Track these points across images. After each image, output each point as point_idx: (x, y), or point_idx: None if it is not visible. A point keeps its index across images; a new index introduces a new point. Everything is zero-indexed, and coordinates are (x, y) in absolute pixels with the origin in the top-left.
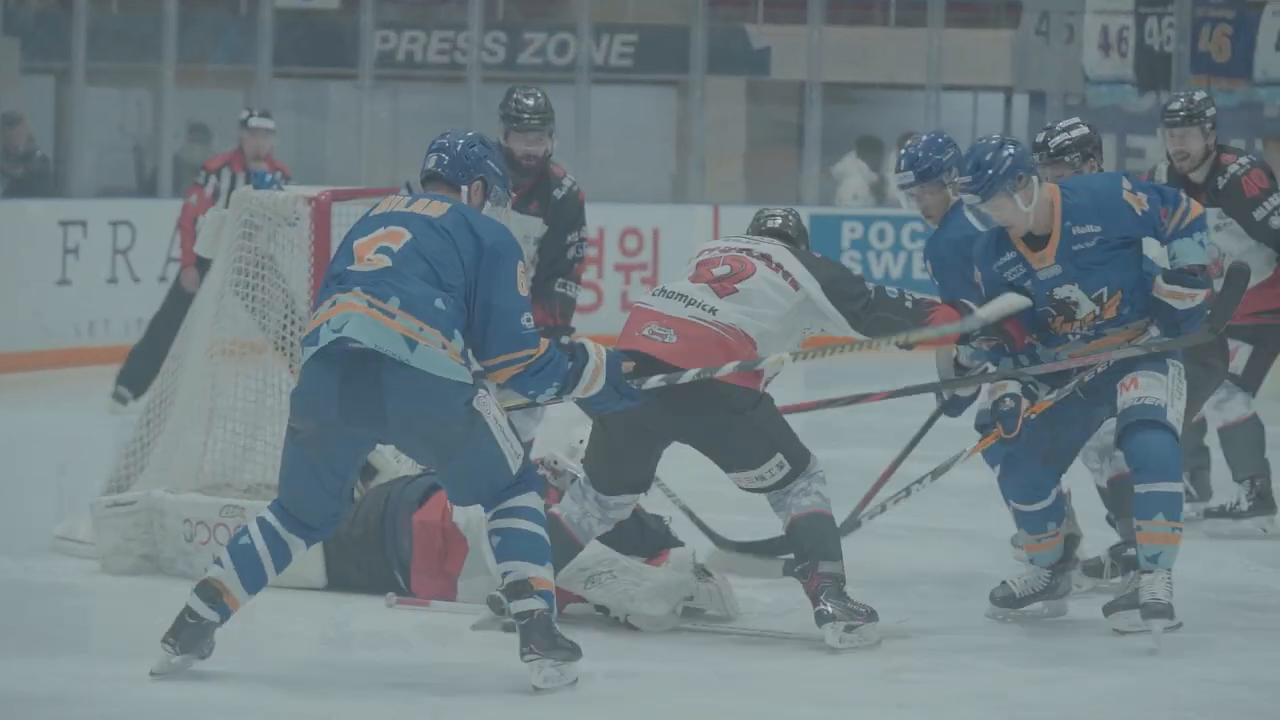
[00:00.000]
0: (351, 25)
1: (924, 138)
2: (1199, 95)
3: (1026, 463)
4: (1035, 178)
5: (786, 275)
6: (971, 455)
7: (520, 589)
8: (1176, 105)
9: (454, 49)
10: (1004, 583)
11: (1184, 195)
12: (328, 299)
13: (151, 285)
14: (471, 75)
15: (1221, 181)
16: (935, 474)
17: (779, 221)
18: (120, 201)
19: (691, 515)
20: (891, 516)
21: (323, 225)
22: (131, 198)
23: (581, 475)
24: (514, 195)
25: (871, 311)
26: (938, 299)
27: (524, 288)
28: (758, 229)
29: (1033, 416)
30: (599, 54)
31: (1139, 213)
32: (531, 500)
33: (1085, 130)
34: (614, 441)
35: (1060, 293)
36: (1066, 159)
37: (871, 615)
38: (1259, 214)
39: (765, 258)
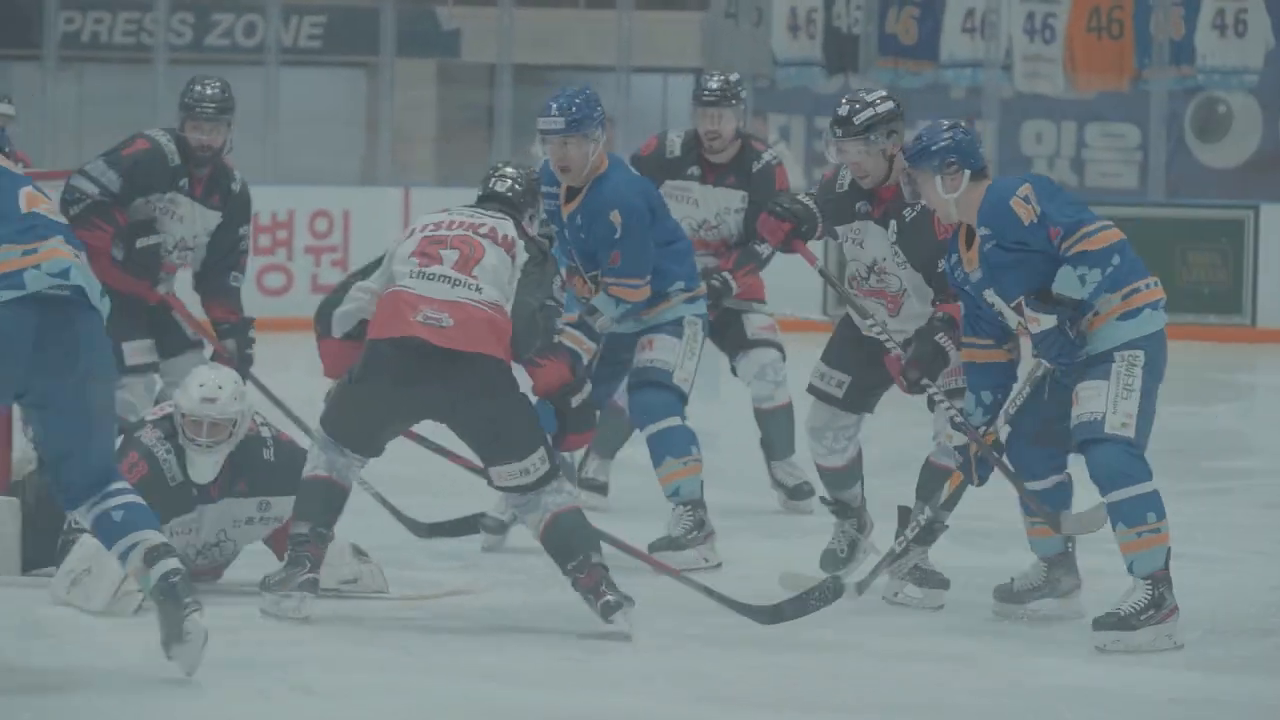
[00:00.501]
0: (35, 4)
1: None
2: (734, 76)
3: (1016, 445)
4: (968, 172)
5: (511, 247)
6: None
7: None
8: (714, 84)
9: (140, 30)
10: (1011, 579)
11: (1090, 223)
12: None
13: None
14: (158, 57)
15: (756, 165)
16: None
17: (506, 185)
18: None
19: (383, 501)
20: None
21: None
22: None
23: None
24: (198, 188)
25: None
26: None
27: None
28: (486, 190)
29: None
30: (287, 35)
31: (1026, 223)
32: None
33: (892, 105)
34: (369, 396)
35: (989, 297)
36: (871, 136)
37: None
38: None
39: (491, 234)
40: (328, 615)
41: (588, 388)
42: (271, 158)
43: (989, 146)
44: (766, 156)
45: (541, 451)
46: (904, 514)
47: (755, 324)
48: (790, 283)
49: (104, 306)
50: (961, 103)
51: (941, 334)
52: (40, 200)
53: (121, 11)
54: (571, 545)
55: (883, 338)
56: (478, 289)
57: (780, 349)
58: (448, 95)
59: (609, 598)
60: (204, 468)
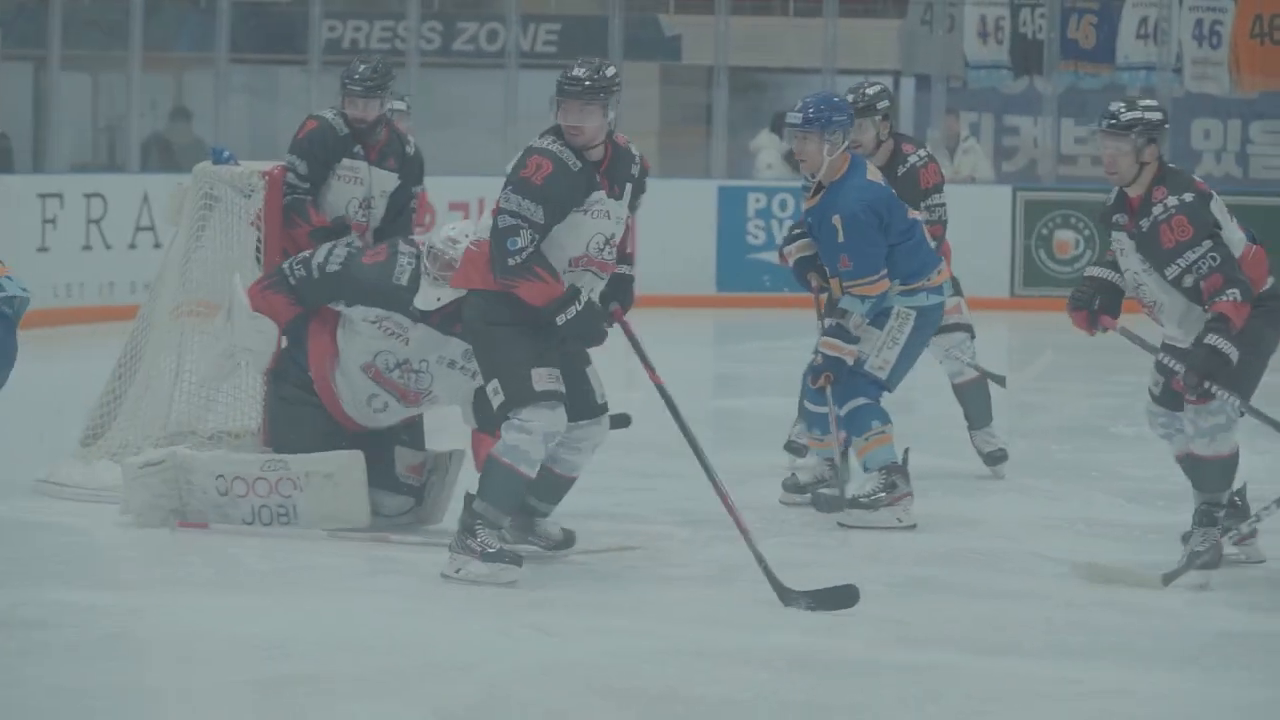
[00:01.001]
0: (302, 15)
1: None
2: (872, 89)
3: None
4: (844, 137)
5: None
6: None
7: None
8: (852, 97)
9: (395, 37)
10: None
11: (867, 270)
12: None
13: (122, 252)
14: (411, 61)
15: (901, 169)
16: None
17: None
18: (93, 176)
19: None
20: None
21: (275, 197)
22: (103, 172)
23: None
24: (372, 154)
25: None
26: None
27: None
28: None
29: None
30: (526, 41)
31: (837, 240)
32: None
33: (1159, 116)
34: None
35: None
36: (1131, 135)
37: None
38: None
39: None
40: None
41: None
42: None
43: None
44: (912, 159)
45: (494, 384)
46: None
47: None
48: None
49: None
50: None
51: (1211, 334)
52: None
53: (378, 20)
54: (480, 485)
55: (1169, 363)
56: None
57: (967, 329)
58: (669, 95)
59: (456, 541)
60: (427, 296)
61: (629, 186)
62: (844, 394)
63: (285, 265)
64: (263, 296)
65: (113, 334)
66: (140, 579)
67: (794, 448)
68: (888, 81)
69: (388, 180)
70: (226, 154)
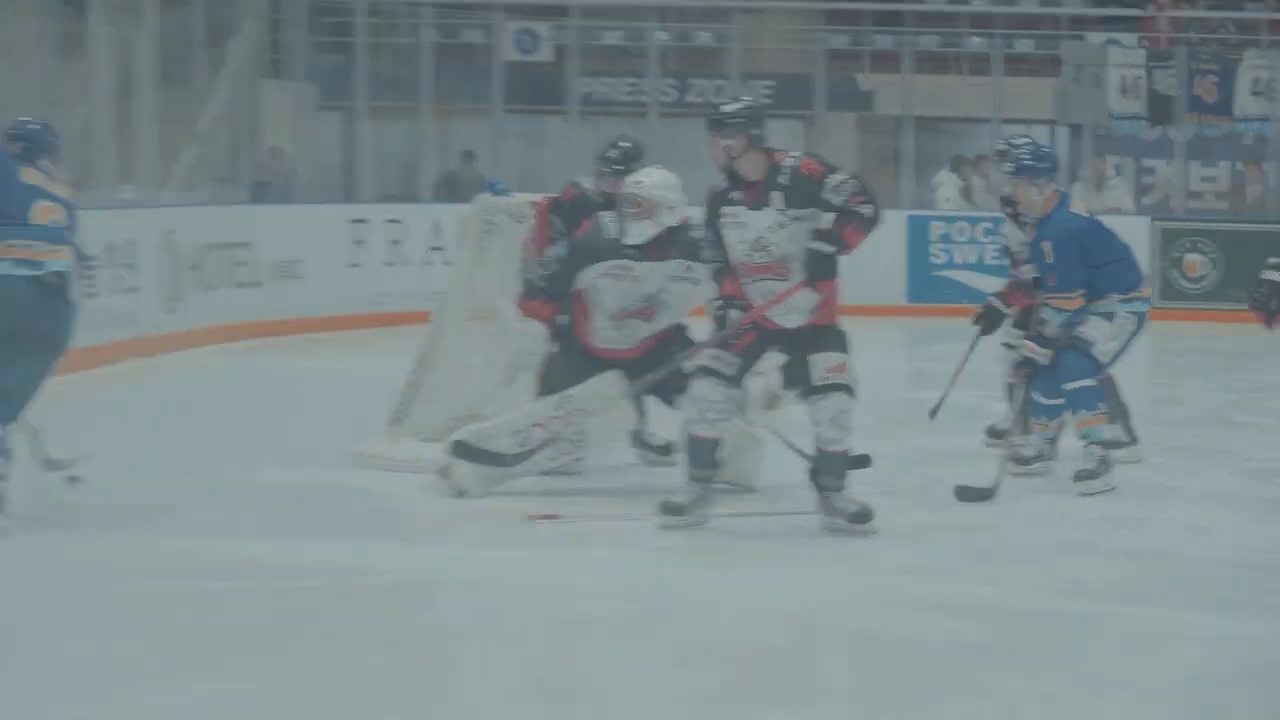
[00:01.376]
0: (561, 73)
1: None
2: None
3: None
4: (1049, 180)
5: None
6: None
7: None
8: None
9: (638, 91)
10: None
11: (1066, 287)
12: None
13: (418, 268)
14: (651, 111)
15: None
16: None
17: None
18: (393, 205)
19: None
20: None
21: (542, 223)
22: (401, 203)
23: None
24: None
25: None
26: None
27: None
28: None
29: None
30: (747, 95)
31: (1046, 261)
32: None
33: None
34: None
35: None
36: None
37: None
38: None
39: None
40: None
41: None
42: None
43: (1271, 182)
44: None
45: None
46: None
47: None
48: None
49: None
50: (1250, 147)
51: None
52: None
53: (624, 77)
54: None
55: None
56: None
57: None
58: (865, 141)
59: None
60: (631, 234)
61: (777, 194)
62: (1072, 374)
63: (530, 277)
64: (526, 306)
65: (412, 335)
66: (441, 535)
67: (994, 432)
68: (1044, 130)
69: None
70: (501, 186)
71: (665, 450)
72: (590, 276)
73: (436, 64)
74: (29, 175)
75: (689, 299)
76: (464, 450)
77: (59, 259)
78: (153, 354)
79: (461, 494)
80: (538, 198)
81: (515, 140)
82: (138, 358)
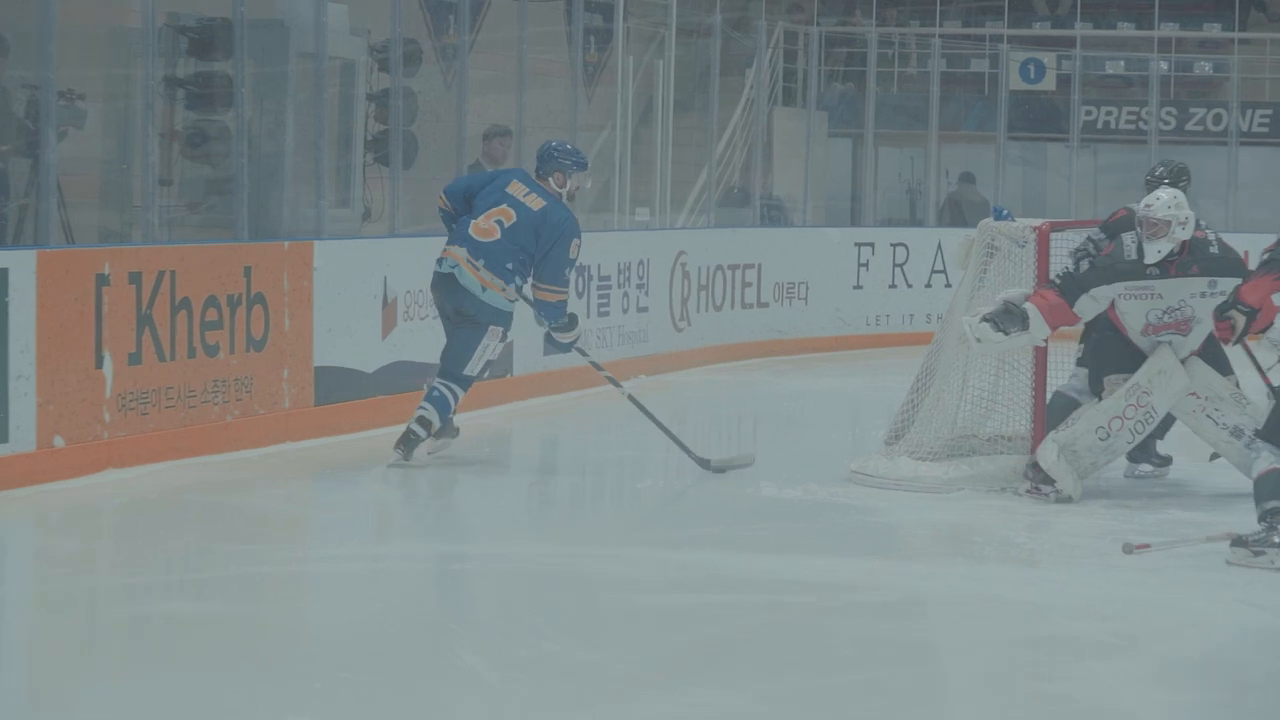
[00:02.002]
0: (1064, 101)
1: None
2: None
3: None
4: None
5: None
6: None
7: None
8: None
9: (1138, 119)
10: None
11: None
12: (452, 242)
13: (919, 290)
14: (1151, 139)
15: None
16: None
17: None
18: (898, 229)
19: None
20: None
21: (1043, 248)
22: (906, 226)
23: None
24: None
25: None
26: None
27: (573, 252)
28: None
29: None
30: (1244, 123)
31: None
32: (449, 394)
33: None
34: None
35: None
36: None
37: None
38: None
39: None
40: None
41: None
42: (1232, 214)
43: None
44: None
45: None
46: None
47: None
48: None
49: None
50: None
51: None
52: (490, 218)
53: (1125, 106)
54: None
55: None
56: None
57: None
58: None
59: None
60: (1148, 252)
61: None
62: None
63: (1052, 278)
64: (1049, 309)
65: (912, 355)
66: (930, 551)
67: None
68: None
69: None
70: (1005, 212)
71: (1166, 461)
72: (1114, 293)
73: (943, 92)
74: (514, 188)
75: (1209, 309)
76: (1054, 459)
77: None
78: (660, 371)
79: (1064, 499)
80: (1039, 223)
81: (1018, 166)
82: (648, 375)
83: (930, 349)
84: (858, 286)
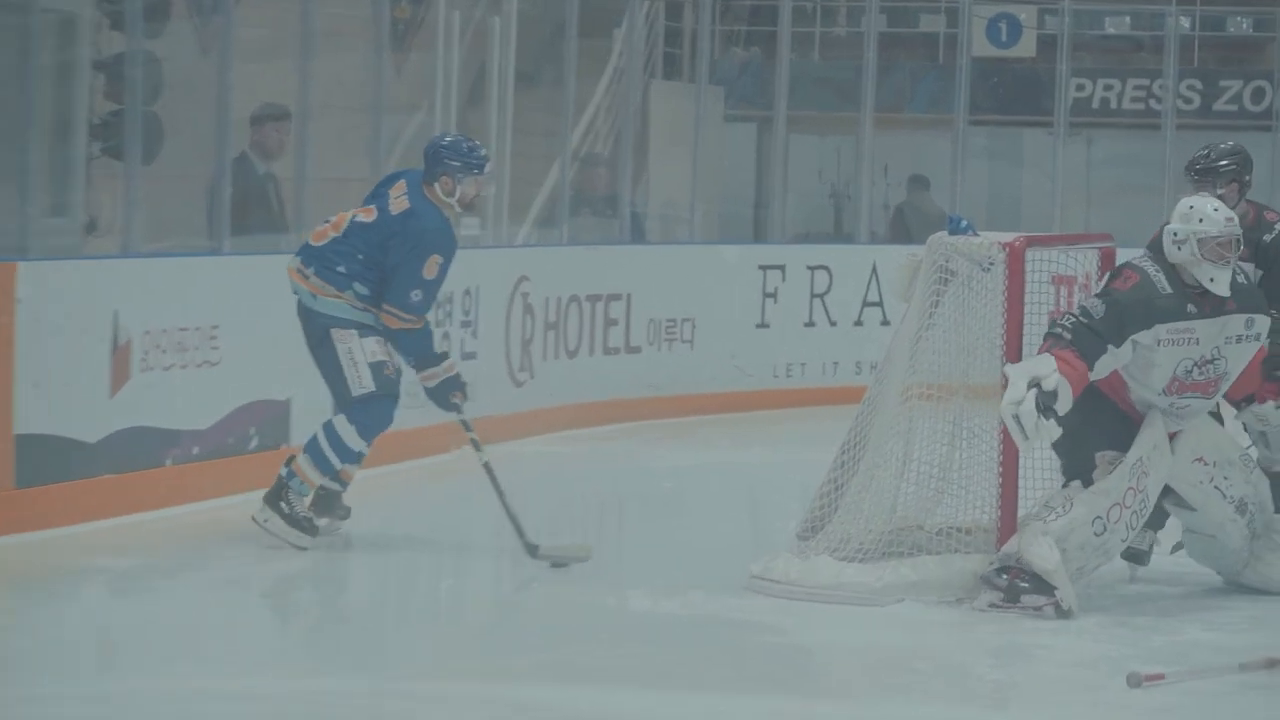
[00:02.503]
0: (1048, 72)
1: None
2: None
3: None
4: None
5: None
6: None
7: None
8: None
9: (1149, 96)
10: None
11: None
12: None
13: (846, 330)
14: (1166, 123)
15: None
16: None
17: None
18: (818, 247)
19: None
20: None
21: (1016, 271)
22: (829, 243)
23: None
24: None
25: None
26: None
27: (429, 271)
28: None
29: None
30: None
31: None
32: (339, 423)
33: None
34: None
35: None
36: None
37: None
38: None
39: None
40: None
41: None
42: None
43: None
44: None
45: None
46: None
47: None
48: None
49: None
50: None
51: None
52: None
53: (1131, 78)
54: None
55: None
56: None
57: None
58: None
59: None
60: (1197, 278)
61: None
62: None
63: (1055, 327)
64: (1079, 380)
65: (836, 418)
66: (858, 686)
67: None
68: None
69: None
70: (965, 223)
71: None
72: (1154, 339)
73: (882, 60)
74: (395, 187)
75: (1245, 358)
76: (1056, 560)
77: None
78: (492, 439)
79: (1065, 615)
80: (1012, 237)
81: (983, 159)
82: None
83: (861, 410)
84: (762, 325)
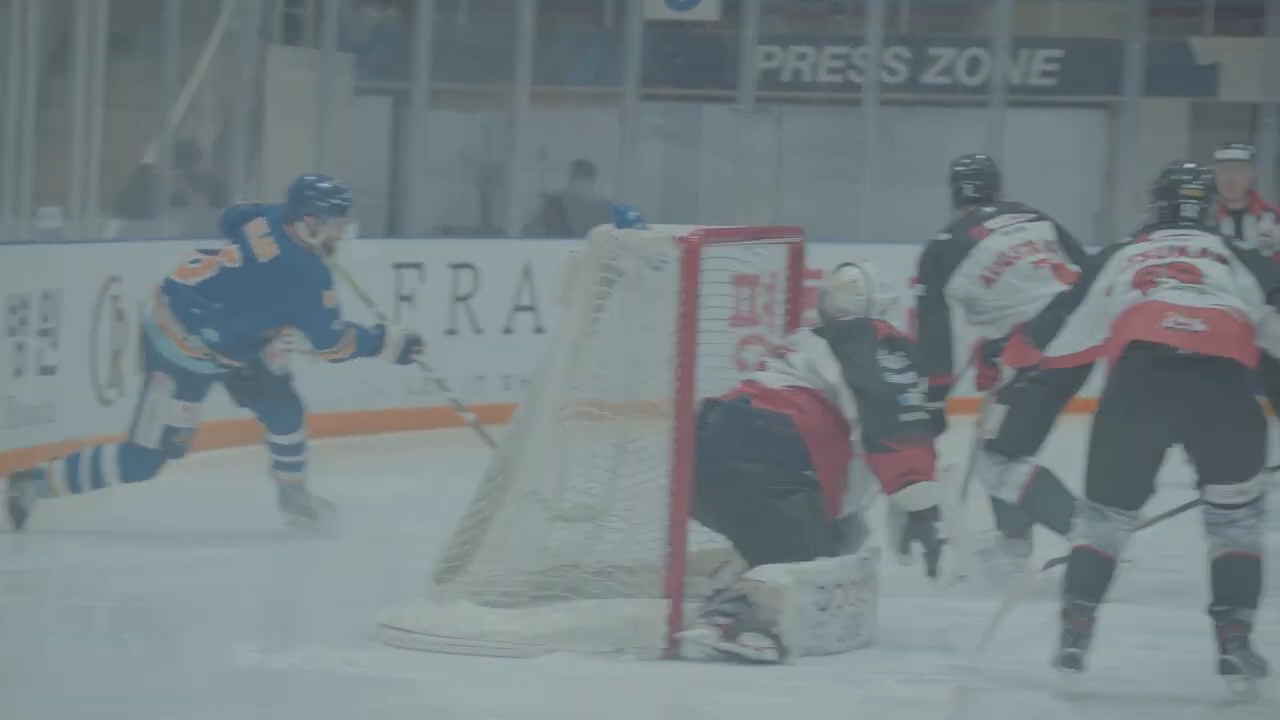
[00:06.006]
0: (731, 40)
1: None
2: None
3: None
4: None
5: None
6: None
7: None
8: None
9: (848, 67)
10: None
11: None
12: None
13: (495, 339)
14: (868, 98)
15: None
16: None
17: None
18: (462, 243)
19: None
20: None
21: (692, 270)
22: (476, 238)
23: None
24: None
25: None
26: None
27: (329, 302)
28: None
29: None
30: (1016, 72)
31: None
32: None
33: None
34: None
35: None
36: None
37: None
38: None
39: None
40: None
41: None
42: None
43: None
44: None
45: (1260, 477)
46: None
47: None
48: None
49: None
50: None
51: None
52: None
53: (827, 46)
54: (1229, 589)
55: None
56: (1222, 298)
57: None
58: (1202, 140)
59: (1229, 656)
60: None
61: None
62: None
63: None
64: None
65: (480, 441)
66: None
67: None
68: None
69: None
70: (634, 215)
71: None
72: None
73: (539, 25)
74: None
75: None
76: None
77: None
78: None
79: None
80: (687, 231)
81: (656, 141)
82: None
83: (509, 432)
84: None
